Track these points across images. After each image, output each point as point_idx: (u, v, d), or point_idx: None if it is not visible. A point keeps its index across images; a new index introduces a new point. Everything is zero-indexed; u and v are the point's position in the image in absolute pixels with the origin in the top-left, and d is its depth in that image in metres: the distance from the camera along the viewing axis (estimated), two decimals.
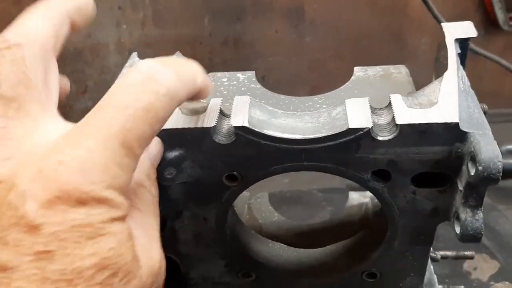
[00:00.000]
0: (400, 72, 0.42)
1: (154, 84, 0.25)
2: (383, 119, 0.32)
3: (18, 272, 0.22)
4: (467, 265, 0.57)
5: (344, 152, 0.32)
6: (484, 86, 0.91)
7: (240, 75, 0.43)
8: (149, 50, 0.81)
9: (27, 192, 0.23)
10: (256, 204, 0.52)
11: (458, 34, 0.38)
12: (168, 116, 0.26)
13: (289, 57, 0.85)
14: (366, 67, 0.43)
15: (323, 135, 0.31)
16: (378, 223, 0.41)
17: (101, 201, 0.23)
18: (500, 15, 0.84)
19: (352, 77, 0.42)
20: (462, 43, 0.38)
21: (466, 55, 0.39)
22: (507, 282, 0.54)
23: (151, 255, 0.28)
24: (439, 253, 0.50)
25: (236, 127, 0.32)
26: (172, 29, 0.77)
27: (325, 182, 0.64)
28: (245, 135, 0.32)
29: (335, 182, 0.48)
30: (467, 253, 0.52)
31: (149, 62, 0.26)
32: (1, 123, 0.25)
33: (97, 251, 0.23)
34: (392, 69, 0.42)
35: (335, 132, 0.31)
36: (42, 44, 0.28)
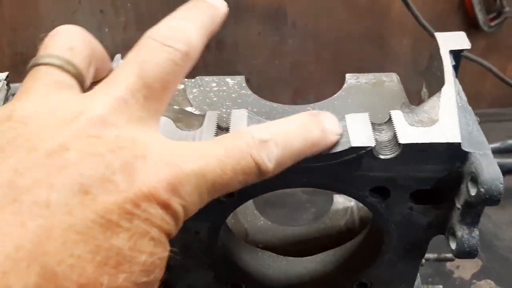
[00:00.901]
0: (392, 80, 0.42)
1: None
2: (384, 136, 0.31)
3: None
4: (449, 264, 0.58)
5: (344, 170, 0.32)
6: (465, 87, 0.92)
7: (229, 80, 0.42)
8: None
9: (154, 169, 0.23)
10: (241, 208, 0.51)
11: (452, 45, 0.37)
12: None
13: (271, 60, 0.84)
14: (358, 74, 0.42)
15: (325, 153, 0.31)
16: (371, 235, 0.41)
17: (176, 215, 0.24)
18: (480, 16, 0.84)
19: (345, 85, 0.41)
20: (456, 54, 0.38)
21: (459, 67, 0.39)
22: (489, 280, 0.55)
23: None
24: None
25: None
26: None
27: None
28: None
29: None
30: (448, 255, 0.53)
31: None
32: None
33: (152, 252, 0.23)
34: (384, 77, 0.42)
35: (337, 151, 0.31)
36: None
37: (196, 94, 0.40)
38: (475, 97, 0.94)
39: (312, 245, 0.47)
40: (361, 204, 0.51)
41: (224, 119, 0.33)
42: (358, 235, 0.44)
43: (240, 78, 0.42)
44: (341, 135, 0.30)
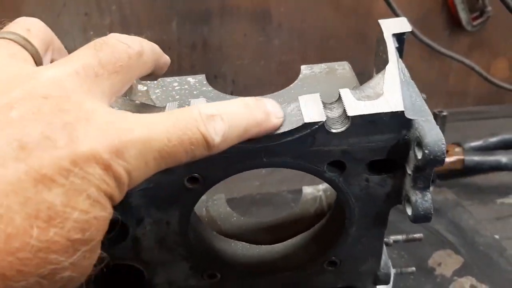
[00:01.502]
0: (344, 68, 0.44)
1: None
2: (335, 113, 0.34)
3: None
4: (431, 261, 0.58)
5: (301, 147, 0.34)
6: (449, 86, 0.94)
7: (190, 79, 0.44)
8: None
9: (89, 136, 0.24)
10: (214, 206, 0.53)
11: (394, 29, 0.40)
12: None
13: (257, 60, 0.85)
14: (312, 65, 0.45)
15: (280, 131, 0.33)
16: (335, 213, 0.43)
17: (119, 178, 0.25)
18: (463, 15, 0.86)
19: (300, 75, 0.44)
20: (399, 37, 0.41)
21: (403, 48, 0.42)
22: (470, 277, 0.56)
23: None
24: (391, 238, 0.53)
25: None
26: (139, 35, 0.77)
27: (295, 184, 0.65)
28: None
29: (304, 183, 0.50)
30: (416, 235, 0.55)
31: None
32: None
33: (87, 210, 0.24)
34: (337, 66, 0.44)
35: (291, 128, 0.33)
36: None
37: (159, 94, 0.42)
38: (459, 96, 0.96)
39: (285, 234, 0.49)
40: (328, 192, 0.53)
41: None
42: None
43: (201, 77, 0.44)
44: (284, 118, 0.33)
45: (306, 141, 0.33)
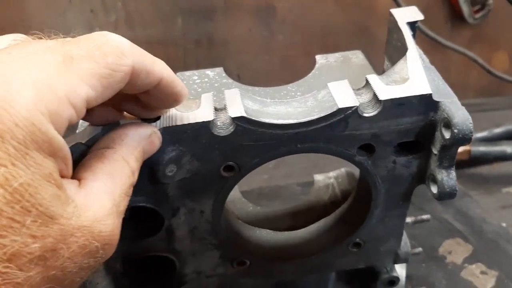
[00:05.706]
0: (358, 56, 0.46)
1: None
2: (364, 97, 0.35)
3: None
4: (442, 249, 0.61)
5: (334, 131, 0.35)
6: (451, 78, 0.95)
7: (209, 72, 0.45)
8: None
9: None
10: (229, 197, 0.54)
11: (408, 18, 0.42)
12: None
13: (261, 55, 0.86)
14: (326, 54, 0.46)
15: (315, 117, 0.34)
16: (359, 196, 0.44)
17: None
18: (465, 8, 0.88)
19: (316, 65, 0.45)
20: (412, 26, 0.42)
21: (415, 36, 0.44)
22: (480, 264, 0.59)
23: (100, 218, 0.26)
24: None
25: (234, 118, 0.33)
26: (145, 31, 0.77)
27: (303, 176, 0.65)
28: (242, 125, 0.33)
29: (311, 177, 0.51)
30: (424, 216, 0.57)
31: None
32: None
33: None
34: (350, 54, 0.46)
35: (326, 114, 0.34)
36: None
37: None
38: (461, 87, 0.97)
39: (302, 221, 0.50)
40: (340, 179, 0.55)
41: (219, 99, 0.35)
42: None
43: (219, 69, 0.45)
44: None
45: (339, 126, 0.35)
